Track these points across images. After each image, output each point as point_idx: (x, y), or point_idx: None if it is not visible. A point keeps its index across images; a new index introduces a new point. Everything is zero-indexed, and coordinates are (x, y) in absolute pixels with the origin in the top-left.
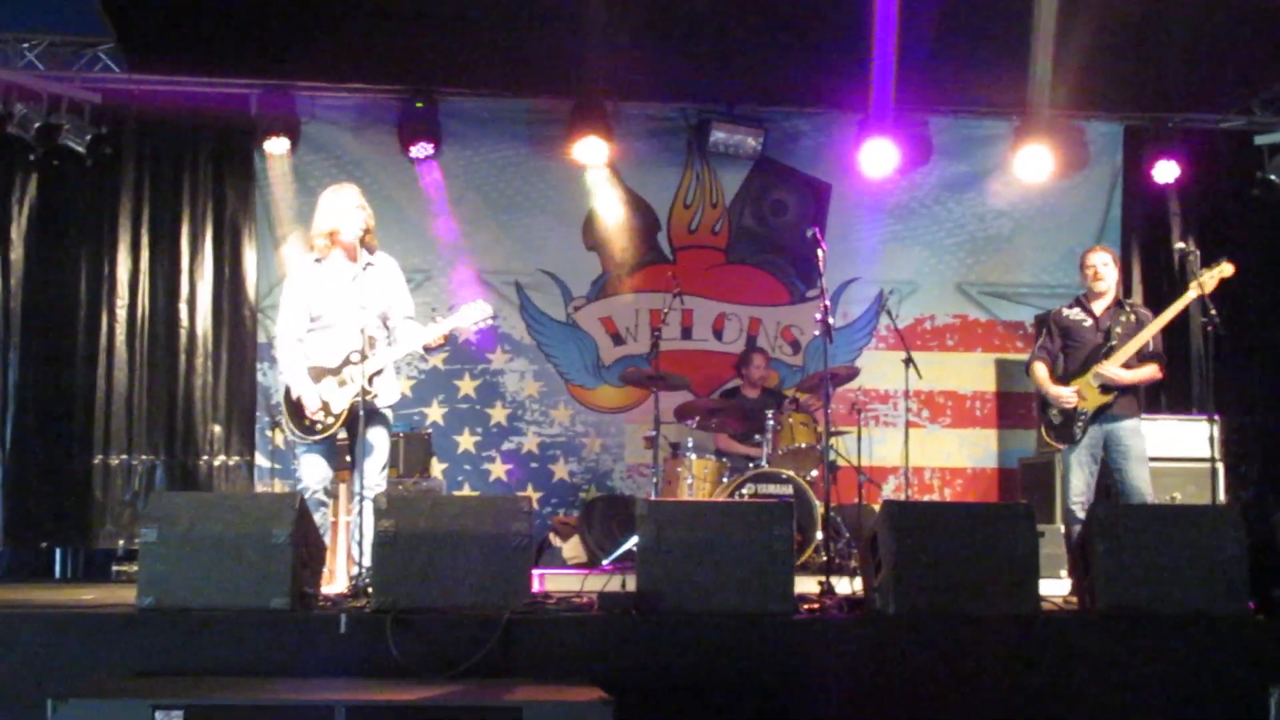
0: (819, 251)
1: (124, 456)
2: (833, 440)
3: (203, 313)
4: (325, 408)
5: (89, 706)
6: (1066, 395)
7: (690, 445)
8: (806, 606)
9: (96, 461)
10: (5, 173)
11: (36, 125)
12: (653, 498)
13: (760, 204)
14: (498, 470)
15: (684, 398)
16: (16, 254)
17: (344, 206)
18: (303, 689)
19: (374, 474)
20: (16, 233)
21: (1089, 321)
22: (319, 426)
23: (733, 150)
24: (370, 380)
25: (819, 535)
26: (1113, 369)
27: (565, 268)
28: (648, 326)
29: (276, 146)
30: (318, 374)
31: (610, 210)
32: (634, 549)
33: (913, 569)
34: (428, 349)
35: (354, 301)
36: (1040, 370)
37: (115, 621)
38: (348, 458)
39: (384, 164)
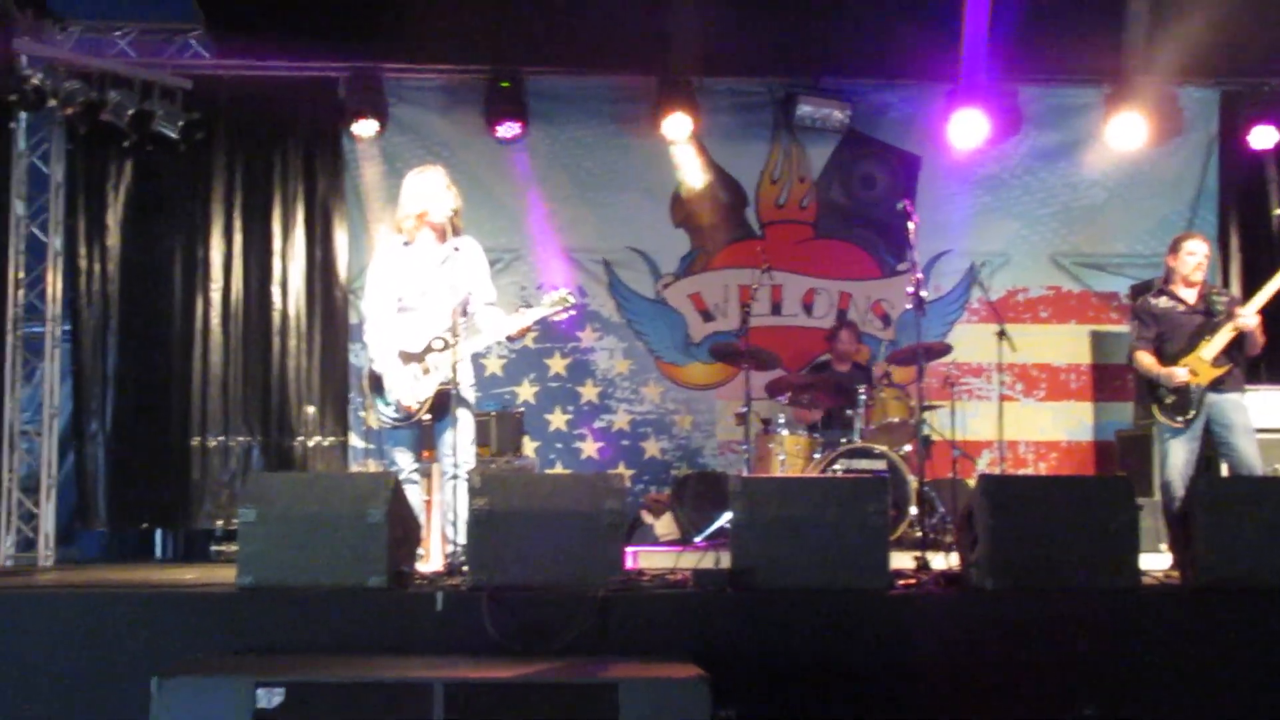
0: (909, 224)
1: (221, 438)
2: (926, 415)
3: (295, 295)
4: (409, 394)
5: (193, 684)
6: (1179, 373)
7: (782, 421)
8: (902, 582)
9: (194, 443)
10: (101, 161)
11: (130, 112)
12: (745, 474)
13: (849, 178)
14: (589, 448)
15: (774, 374)
16: (113, 240)
17: (431, 188)
18: (401, 666)
19: (464, 451)
20: (112, 219)
21: (1182, 307)
22: (402, 412)
23: (820, 124)
24: (454, 367)
25: (913, 510)
26: (1248, 315)
27: (653, 245)
28: (737, 302)
29: (365, 129)
30: (403, 359)
31: (697, 186)
32: (727, 526)
33: (1010, 544)
34: (510, 339)
35: (440, 286)
36: (1145, 356)
37: (216, 601)
38: (435, 439)
39: (471, 144)
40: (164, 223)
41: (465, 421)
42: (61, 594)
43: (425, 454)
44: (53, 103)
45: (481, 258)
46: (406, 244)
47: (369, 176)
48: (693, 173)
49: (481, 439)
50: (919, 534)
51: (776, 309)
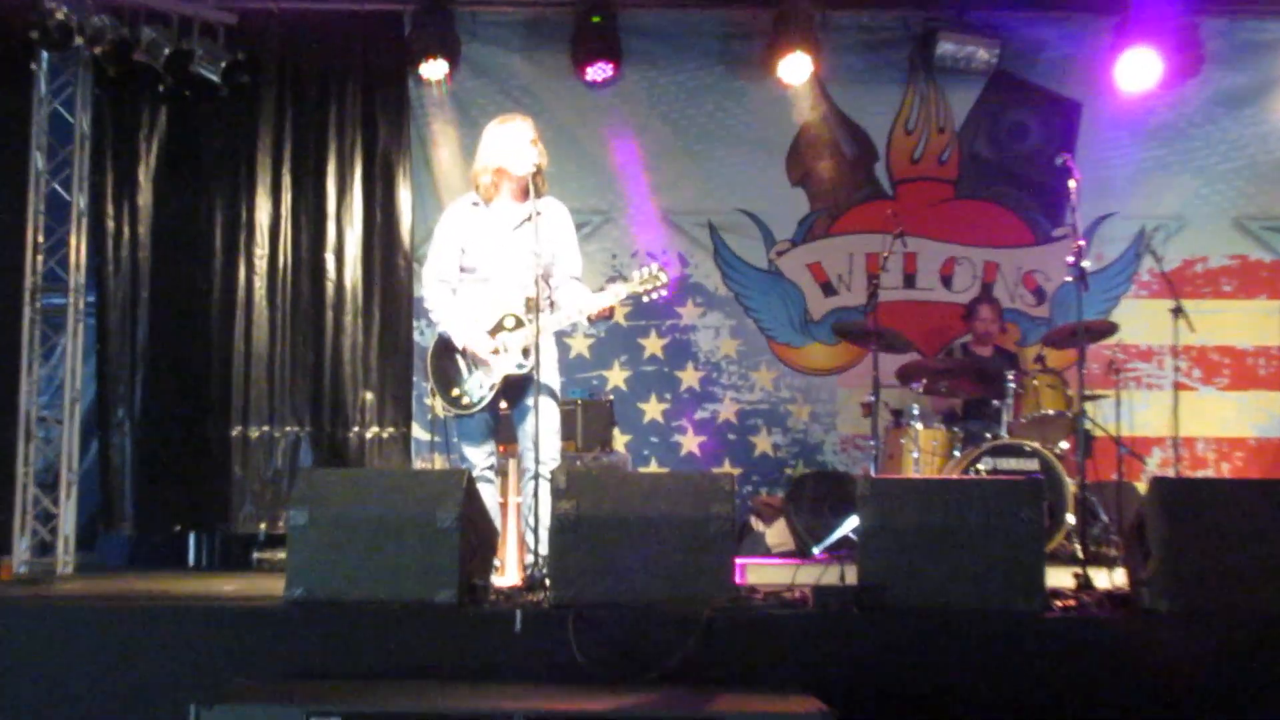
0: (1069, 182)
1: (265, 428)
2: (1087, 406)
3: (352, 263)
4: (478, 378)
5: (236, 713)
6: None
7: (916, 412)
8: (1059, 603)
9: (235, 434)
10: (132, 107)
11: (166, 52)
12: (873, 474)
13: (996, 127)
14: (690, 443)
15: (907, 357)
16: (145, 199)
17: (513, 141)
18: (474, 696)
19: (547, 446)
20: (144, 174)
21: None
22: (466, 400)
23: (963, 64)
24: (526, 351)
25: (1071, 518)
26: None
27: (767, 206)
28: (863, 274)
29: (434, 71)
30: (471, 336)
31: (819, 139)
32: (852, 535)
33: (1189, 558)
34: (591, 320)
35: (518, 253)
36: None
37: (261, 616)
38: (516, 429)
39: (556, 89)
40: (203, 179)
41: (548, 411)
42: (83, 607)
43: (501, 448)
44: (79, 40)
45: (567, 223)
46: (476, 204)
47: (438, 127)
48: (813, 123)
49: (566, 432)
50: (1079, 546)
51: (910, 281)
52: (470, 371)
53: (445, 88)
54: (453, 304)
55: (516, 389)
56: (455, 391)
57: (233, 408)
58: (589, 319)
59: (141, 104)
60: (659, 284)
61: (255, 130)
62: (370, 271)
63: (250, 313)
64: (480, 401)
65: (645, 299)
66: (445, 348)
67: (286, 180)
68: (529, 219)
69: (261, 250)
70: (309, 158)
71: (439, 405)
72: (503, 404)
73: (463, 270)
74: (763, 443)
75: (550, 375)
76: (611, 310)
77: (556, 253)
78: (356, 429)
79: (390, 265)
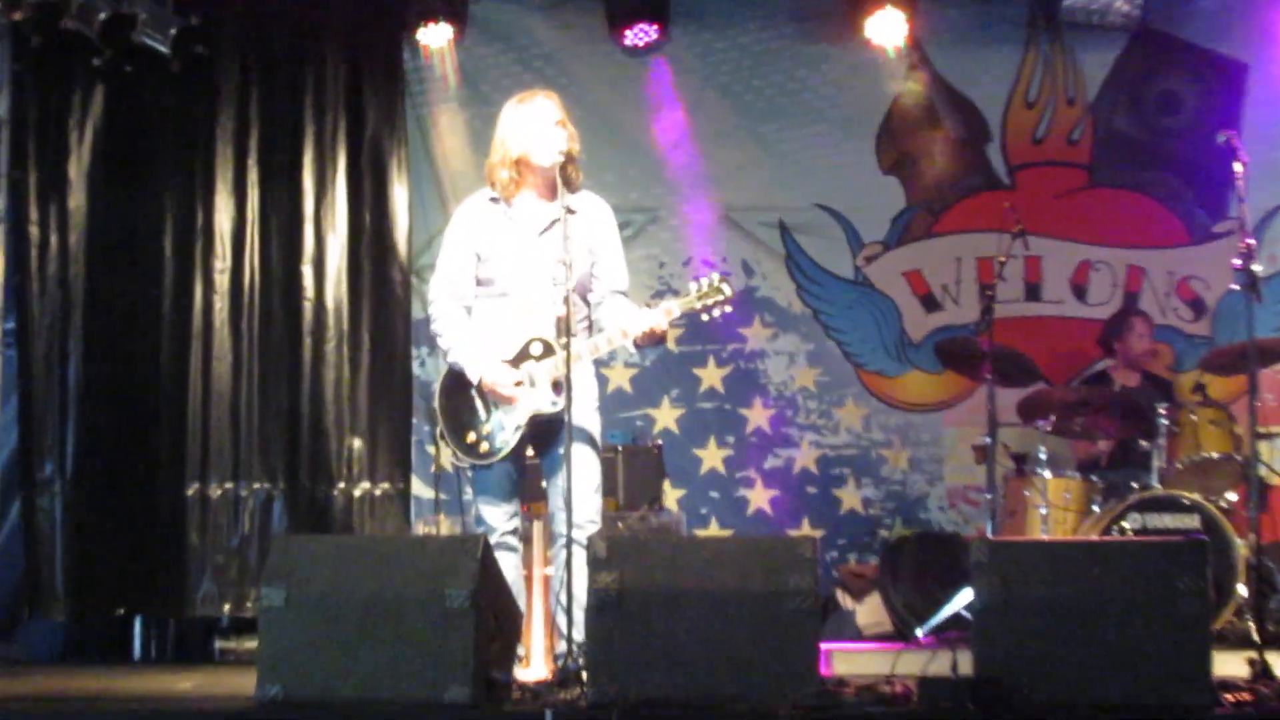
0: (1235, 165)
1: (229, 485)
2: (1260, 447)
3: (334, 278)
4: (498, 419)
5: None
6: None
7: (1043, 457)
8: (1230, 697)
9: (191, 493)
10: (60, 87)
11: (102, 17)
12: (990, 535)
13: (1141, 98)
14: (759, 498)
15: (1031, 388)
16: (77, 200)
17: (537, 123)
18: None
19: (583, 505)
20: (76, 170)
21: None
22: (484, 447)
23: (1097, 19)
24: (557, 384)
25: (1243, 589)
26: None
27: (852, 200)
28: (974, 284)
29: (435, 37)
30: (488, 367)
31: (917, 115)
32: (964, 613)
33: None
34: (638, 345)
35: (545, 262)
36: None
37: None
38: (542, 483)
39: (588, 57)
40: (149, 176)
41: (584, 460)
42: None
43: (525, 507)
44: None
45: (608, 223)
46: (496, 200)
47: (441, 108)
48: (910, 95)
49: (606, 486)
50: (1253, 625)
51: (1033, 292)
52: (489, 411)
53: (450, 59)
54: (466, 327)
55: (546, 433)
56: (470, 436)
57: (188, 460)
58: (634, 344)
59: (73, 82)
60: (721, 298)
61: (214, 114)
62: (358, 288)
63: (209, 341)
64: (502, 448)
65: (704, 317)
66: (457, 382)
67: (253, 175)
68: (559, 220)
69: (222, 263)
70: (281, 148)
71: (448, 454)
72: (529, 451)
73: (479, 284)
74: (850, 497)
75: (587, 415)
76: (663, 333)
77: (595, 261)
78: (343, 485)
79: (382, 280)
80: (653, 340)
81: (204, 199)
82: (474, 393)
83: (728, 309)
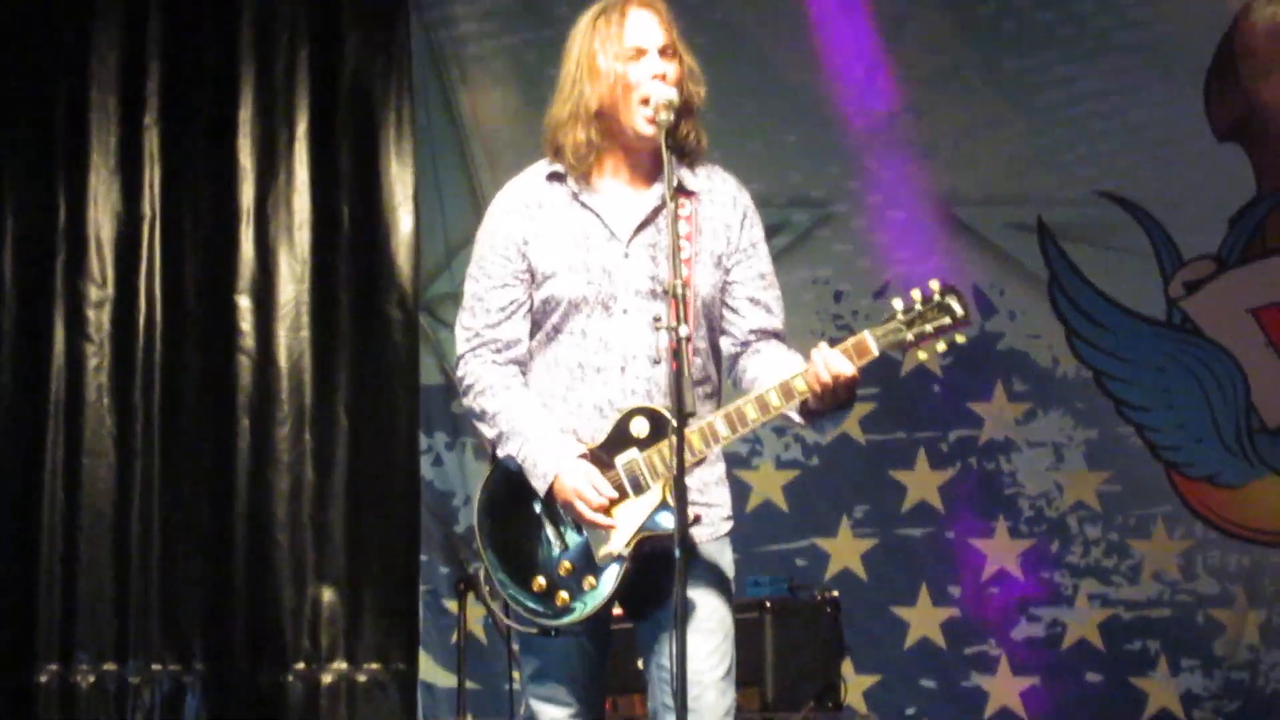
0: None
1: (110, 666)
2: None
3: (289, 316)
4: (581, 549)
5: None
6: None
7: None
8: None
9: (44, 679)
10: None
11: None
12: None
13: None
14: (1004, 691)
15: None
16: None
17: (630, 52)
18: None
19: (710, 699)
20: None
21: None
22: (564, 597)
23: None
24: (680, 476)
25: None
26: None
27: (1163, 186)
28: None
29: None
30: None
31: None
32: None
33: None
34: (810, 413)
35: (646, 282)
36: None
37: None
38: (637, 662)
39: None
40: None
41: (709, 624)
42: None
43: (609, 704)
44: None
45: (750, 219)
46: (562, 179)
47: (470, 26)
48: (1269, 13)
49: (745, 668)
50: None
51: None
52: (568, 539)
53: None
54: (522, 396)
55: (651, 574)
56: (539, 581)
57: (39, 627)
58: (804, 411)
59: None
60: (949, 321)
61: (86, 43)
62: (330, 333)
63: (76, 424)
64: (594, 600)
65: (920, 356)
66: (511, 490)
67: (150, 145)
68: (663, 210)
69: (100, 291)
70: (198, 99)
71: (477, 611)
72: (616, 609)
73: (536, 320)
74: (1161, 691)
75: (717, 554)
76: (853, 387)
77: (731, 280)
78: (303, 665)
79: (372, 318)
80: (837, 400)
81: (67, 184)
82: (538, 507)
83: (959, 339)
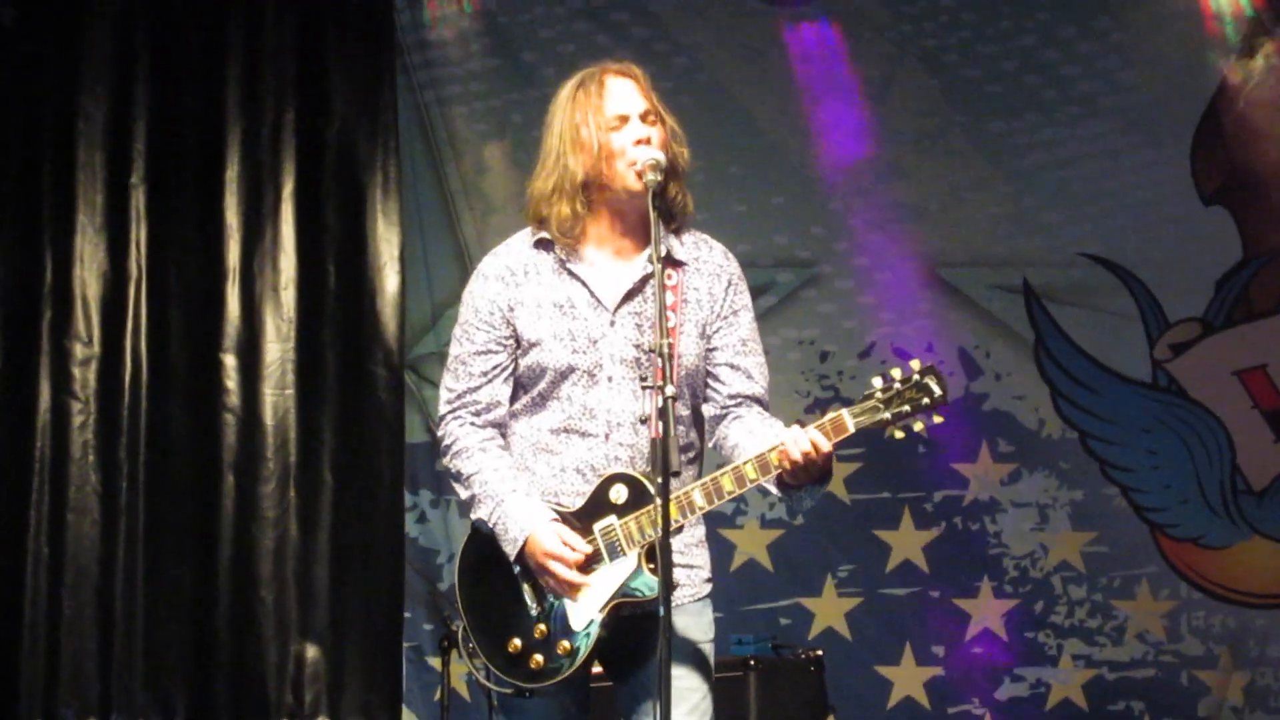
0: None
1: None
2: None
3: (275, 374)
4: (561, 615)
5: None
6: None
7: None
8: None
9: None
10: None
11: None
12: None
13: None
14: None
15: None
16: None
17: (614, 119)
18: None
19: None
20: None
21: None
22: (536, 661)
23: None
24: (659, 544)
25: None
26: None
27: (1149, 248)
28: None
29: None
30: (540, 527)
31: (1266, 104)
32: None
33: None
34: (786, 484)
35: (629, 351)
36: None
37: None
38: None
39: (702, 6)
40: None
41: (690, 686)
42: None
43: None
44: None
45: (735, 285)
46: (549, 247)
47: (457, 88)
48: (1255, 75)
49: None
50: None
51: None
52: (544, 602)
53: (469, 7)
54: (501, 459)
55: (628, 636)
56: (514, 643)
57: (22, 681)
58: (780, 483)
59: None
60: (928, 401)
61: (73, 101)
62: (316, 392)
63: (61, 483)
64: (567, 662)
65: (896, 435)
66: (487, 553)
67: (138, 203)
68: (651, 278)
69: (87, 348)
70: (185, 157)
71: (459, 667)
72: (595, 667)
73: (520, 385)
74: None
75: (696, 611)
76: (828, 463)
77: (714, 347)
78: None
79: (358, 379)
80: (811, 476)
81: (53, 242)
82: (516, 569)
83: (937, 420)
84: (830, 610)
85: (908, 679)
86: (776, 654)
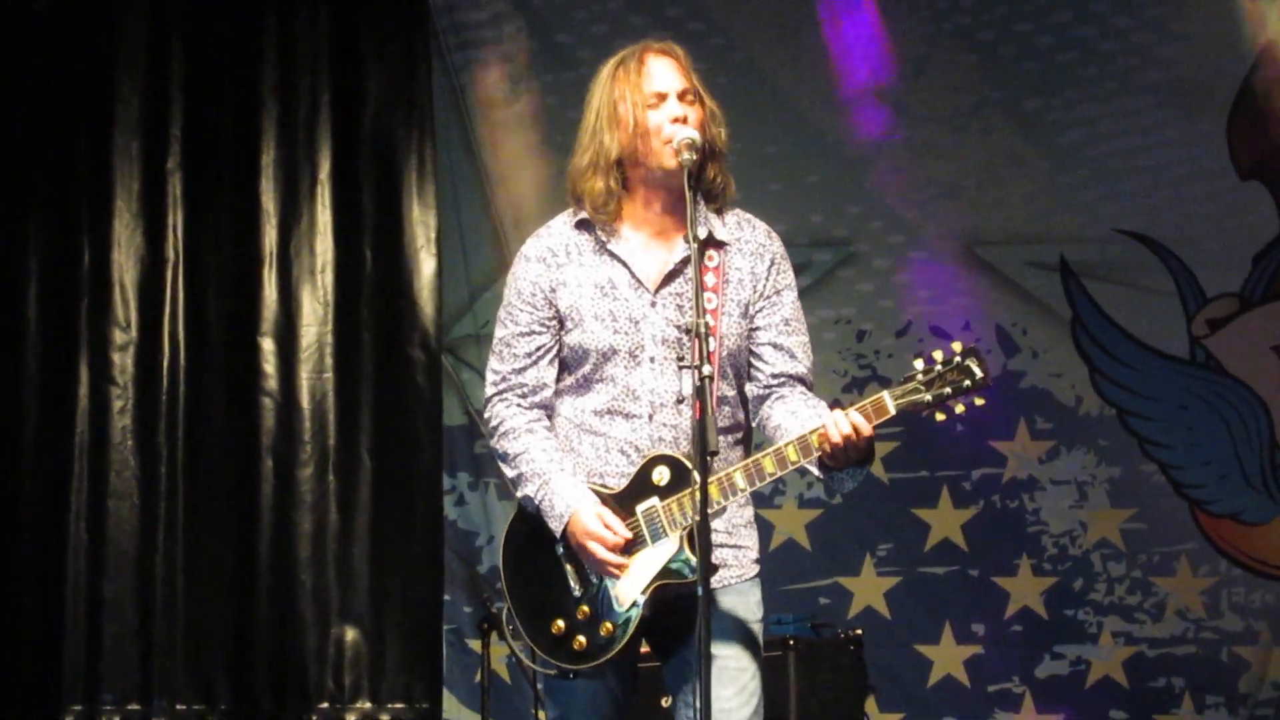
0: None
1: (132, 707)
2: None
3: (313, 357)
4: (602, 596)
5: None
6: None
7: None
8: None
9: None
10: None
11: None
12: None
13: None
14: None
15: None
16: None
17: (651, 98)
18: None
19: None
20: None
21: None
22: (579, 641)
23: None
24: (697, 525)
25: None
26: None
27: (1186, 224)
28: None
29: None
30: (584, 509)
31: None
32: None
33: None
34: (828, 465)
35: (668, 329)
36: None
37: None
38: (663, 702)
39: None
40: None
41: (735, 665)
42: None
43: None
44: None
45: (779, 264)
46: (588, 228)
47: (493, 70)
48: None
49: (772, 705)
50: None
51: None
52: (588, 584)
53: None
54: (546, 440)
55: (673, 616)
56: (558, 624)
57: (65, 667)
58: (821, 464)
59: None
60: (969, 383)
61: (110, 87)
62: (354, 375)
63: (100, 465)
64: (612, 643)
65: (938, 417)
66: (531, 533)
67: (174, 189)
68: (689, 259)
69: (125, 334)
70: (221, 144)
71: (501, 651)
72: (642, 647)
73: (564, 366)
74: None
75: (743, 590)
76: (869, 444)
77: (756, 326)
78: (326, 705)
79: (395, 360)
80: (852, 458)
81: (92, 228)
82: (560, 550)
83: (978, 402)
84: (869, 589)
85: (947, 657)
86: (816, 634)
